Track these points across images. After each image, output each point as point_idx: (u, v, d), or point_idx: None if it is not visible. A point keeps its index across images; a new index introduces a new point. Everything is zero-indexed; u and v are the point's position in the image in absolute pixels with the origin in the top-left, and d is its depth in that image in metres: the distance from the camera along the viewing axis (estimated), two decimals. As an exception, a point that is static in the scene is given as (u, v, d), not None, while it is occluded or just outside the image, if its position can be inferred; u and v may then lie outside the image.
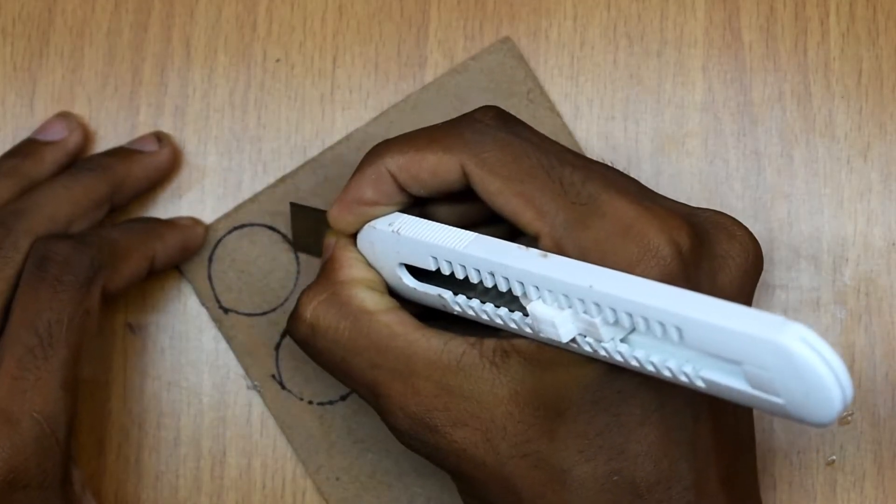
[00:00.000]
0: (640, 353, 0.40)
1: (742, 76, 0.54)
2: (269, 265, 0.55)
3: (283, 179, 0.55)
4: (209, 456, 0.54)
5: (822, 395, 0.35)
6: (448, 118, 0.47)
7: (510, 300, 0.44)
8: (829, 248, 0.54)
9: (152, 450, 0.54)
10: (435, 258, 0.45)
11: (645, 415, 0.42)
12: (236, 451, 0.54)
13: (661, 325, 0.38)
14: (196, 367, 0.55)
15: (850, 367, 0.53)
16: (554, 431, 0.43)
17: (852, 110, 0.54)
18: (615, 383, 0.42)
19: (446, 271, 0.44)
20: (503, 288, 0.43)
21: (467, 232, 0.44)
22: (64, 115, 0.54)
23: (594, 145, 0.54)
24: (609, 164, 0.47)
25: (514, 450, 0.43)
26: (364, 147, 0.49)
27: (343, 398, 0.54)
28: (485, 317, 0.44)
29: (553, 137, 0.47)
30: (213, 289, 0.54)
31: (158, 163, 0.54)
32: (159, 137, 0.54)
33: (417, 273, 0.46)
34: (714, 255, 0.44)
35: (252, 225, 0.55)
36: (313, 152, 0.55)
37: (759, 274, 0.46)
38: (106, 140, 0.55)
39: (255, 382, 0.54)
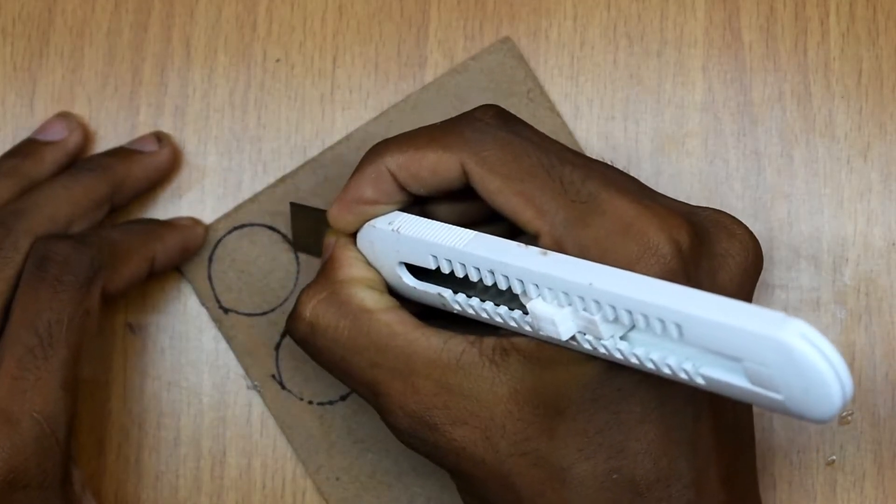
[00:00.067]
0: (639, 351, 0.40)
1: (742, 76, 0.54)
2: (269, 265, 0.55)
3: (283, 179, 0.55)
4: (209, 456, 0.54)
5: (822, 391, 0.35)
6: (448, 118, 0.47)
7: (510, 298, 0.44)
8: (829, 248, 0.54)
9: (152, 450, 0.54)
10: (435, 257, 0.45)
11: (645, 413, 0.42)
12: (236, 451, 0.54)
13: (661, 322, 0.38)
14: (196, 367, 0.55)
15: (850, 367, 0.53)
16: (553, 429, 0.43)
17: (852, 110, 0.54)
18: (615, 381, 0.42)
19: (446, 270, 0.44)
20: (503, 286, 0.43)
21: (467, 230, 0.44)
22: (64, 115, 0.54)
23: (594, 145, 0.54)
24: (609, 163, 0.47)
25: (513, 448, 0.43)
26: (364, 147, 0.49)
27: (343, 398, 0.54)
28: (484, 315, 0.44)
29: (553, 137, 0.47)
30: (213, 289, 0.54)
31: (158, 163, 0.54)
32: (159, 137, 0.54)
33: (417, 272, 0.46)
34: (714, 254, 0.44)
35: (252, 225, 0.55)
36: (313, 152, 0.55)
37: (759, 272, 0.46)
38: (106, 140, 0.55)
39: (255, 382, 0.54)
